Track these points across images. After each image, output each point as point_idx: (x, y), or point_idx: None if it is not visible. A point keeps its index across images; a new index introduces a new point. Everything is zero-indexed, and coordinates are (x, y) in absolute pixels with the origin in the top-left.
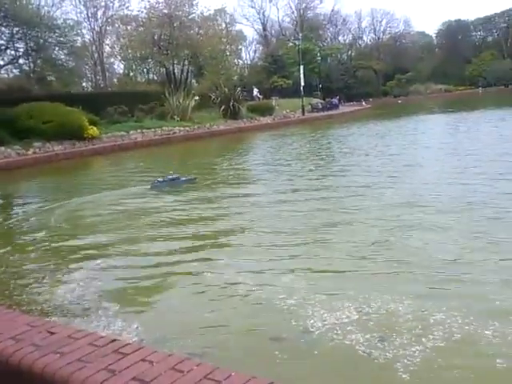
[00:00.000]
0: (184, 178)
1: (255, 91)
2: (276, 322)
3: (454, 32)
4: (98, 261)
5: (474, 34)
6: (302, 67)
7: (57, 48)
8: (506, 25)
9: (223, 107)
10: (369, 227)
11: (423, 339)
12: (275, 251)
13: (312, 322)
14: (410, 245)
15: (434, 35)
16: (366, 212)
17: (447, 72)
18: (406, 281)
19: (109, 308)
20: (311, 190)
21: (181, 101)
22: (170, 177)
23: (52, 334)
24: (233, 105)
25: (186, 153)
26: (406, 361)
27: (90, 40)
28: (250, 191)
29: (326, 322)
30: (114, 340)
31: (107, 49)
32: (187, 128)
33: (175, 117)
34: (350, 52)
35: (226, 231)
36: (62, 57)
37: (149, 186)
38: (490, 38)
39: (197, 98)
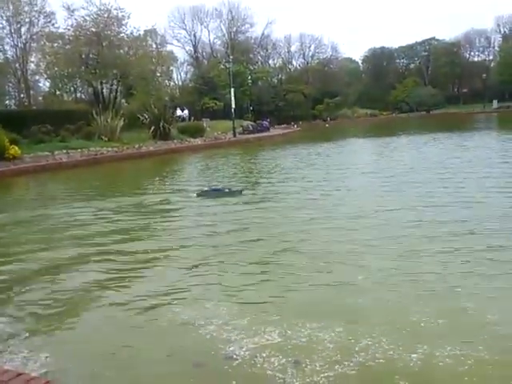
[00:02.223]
0: (227, 190)
1: (180, 111)
2: (198, 347)
3: (379, 59)
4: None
5: (397, 61)
6: (232, 89)
7: None
8: (426, 53)
9: (153, 128)
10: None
11: (336, 366)
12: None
13: (233, 348)
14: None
15: (360, 61)
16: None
17: (373, 97)
18: (339, 307)
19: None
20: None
21: (109, 121)
22: (215, 187)
23: None
24: (163, 125)
25: (113, 174)
26: None
27: (13, 56)
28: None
29: (247, 347)
30: (20, 374)
31: (32, 66)
32: (115, 149)
33: (103, 137)
34: (280, 75)
35: (147, 259)
36: None
37: (194, 195)
38: (412, 65)
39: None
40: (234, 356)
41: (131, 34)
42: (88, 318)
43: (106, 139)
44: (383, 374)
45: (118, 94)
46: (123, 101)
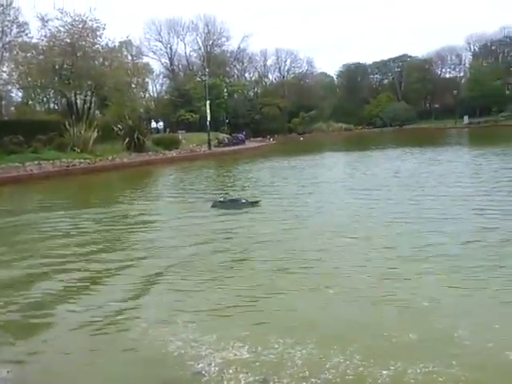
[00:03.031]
0: (244, 201)
1: (158, 124)
2: (166, 364)
3: (353, 74)
4: None
5: (371, 76)
6: (208, 102)
7: None
8: (399, 69)
9: (127, 139)
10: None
11: (303, 383)
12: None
13: (201, 364)
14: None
15: (335, 76)
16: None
17: (347, 111)
18: (313, 323)
19: None
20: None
21: (82, 132)
22: (231, 198)
23: None
24: (137, 137)
25: (85, 186)
26: None
27: None
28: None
29: (215, 363)
30: None
31: (4, 76)
32: (88, 160)
33: (76, 148)
34: (256, 89)
35: (114, 270)
36: None
37: (210, 205)
38: (385, 81)
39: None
40: (203, 372)
41: (106, 45)
42: (47, 334)
43: (79, 151)
44: None
45: (92, 105)
46: (97, 112)
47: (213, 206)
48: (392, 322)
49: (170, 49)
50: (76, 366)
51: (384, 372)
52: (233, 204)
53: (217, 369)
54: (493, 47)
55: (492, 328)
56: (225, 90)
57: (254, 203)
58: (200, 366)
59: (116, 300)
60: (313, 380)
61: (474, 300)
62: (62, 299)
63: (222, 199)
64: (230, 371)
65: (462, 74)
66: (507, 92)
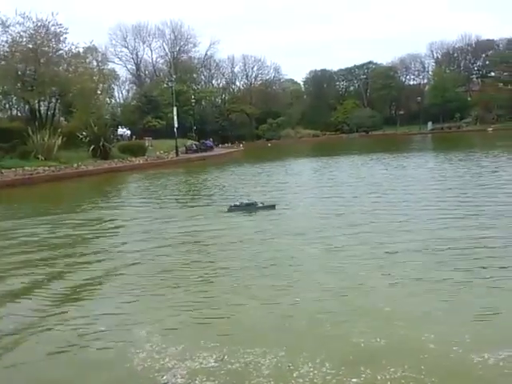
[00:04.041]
0: (261, 204)
1: (124, 131)
2: (131, 377)
3: (320, 80)
4: None
5: (337, 83)
6: (175, 109)
7: None
8: (365, 76)
9: (93, 147)
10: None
11: None
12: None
13: (166, 376)
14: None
15: (302, 83)
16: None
17: (315, 118)
18: (284, 332)
19: None
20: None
21: (46, 139)
22: (246, 202)
23: None
24: (103, 144)
25: (48, 194)
26: None
27: None
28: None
29: (181, 375)
30: None
31: None
32: (52, 168)
33: (39, 156)
34: (223, 96)
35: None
36: None
37: (226, 209)
38: (351, 88)
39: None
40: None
41: (70, 50)
42: (10, 350)
43: (43, 158)
44: None
45: (57, 111)
46: (62, 119)
47: (229, 211)
48: (359, 328)
49: (137, 55)
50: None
51: (354, 380)
52: (248, 208)
53: (183, 380)
54: (455, 55)
55: (456, 331)
56: (192, 96)
57: (271, 207)
58: (165, 377)
59: (76, 311)
60: None
61: (434, 303)
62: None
63: (237, 203)
64: (196, 381)
65: (425, 81)
66: (469, 98)
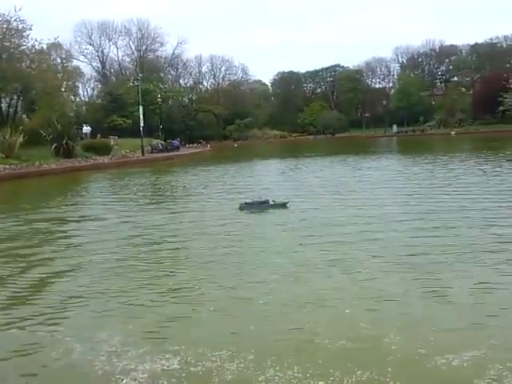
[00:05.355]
0: (273, 202)
1: (85, 129)
2: (92, 381)
3: (288, 82)
4: None
5: (305, 85)
6: (141, 108)
7: None
8: (332, 79)
9: (56, 145)
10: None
11: None
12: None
13: (126, 380)
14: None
15: (269, 84)
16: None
17: (282, 119)
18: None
19: None
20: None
21: (7, 137)
22: (259, 200)
23: None
24: (66, 143)
25: (6, 192)
26: None
27: None
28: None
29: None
30: None
31: None
32: (13, 166)
33: (0, 154)
34: (190, 95)
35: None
36: None
37: (238, 207)
38: (318, 90)
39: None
40: None
41: (33, 46)
42: None
43: (4, 156)
44: None
45: (19, 108)
46: (24, 116)
47: (240, 209)
48: (325, 330)
49: (102, 52)
50: None
51: (320, 383)
52: (260, 206)
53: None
54: (419, 59)
55: (419, 332)
56: (159, 95)
57: (283, 205)
58: (125, 381)
59: (30, 311)
60: None
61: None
62: None
63: (249, 201)
64: None
65: (391, 85)
66: (433, 102)
